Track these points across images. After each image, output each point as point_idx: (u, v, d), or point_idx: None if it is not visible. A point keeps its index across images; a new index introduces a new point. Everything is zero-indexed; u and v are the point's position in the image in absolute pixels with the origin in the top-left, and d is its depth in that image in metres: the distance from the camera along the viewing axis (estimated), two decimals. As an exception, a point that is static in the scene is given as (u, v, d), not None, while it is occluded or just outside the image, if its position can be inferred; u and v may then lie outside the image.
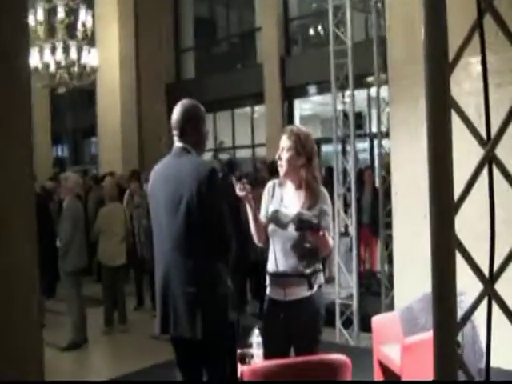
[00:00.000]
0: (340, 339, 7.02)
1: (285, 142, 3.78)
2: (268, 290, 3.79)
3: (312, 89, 15.15)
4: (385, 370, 4.96)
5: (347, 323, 7.08)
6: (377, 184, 8.40)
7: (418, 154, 5.99)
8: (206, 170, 3.32)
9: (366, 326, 6.63)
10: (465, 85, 5.32)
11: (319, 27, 15.51)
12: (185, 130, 3.47)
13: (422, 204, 6.04)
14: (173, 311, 3.37)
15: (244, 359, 3.86)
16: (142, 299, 9.12)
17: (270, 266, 3.76)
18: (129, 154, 16.79)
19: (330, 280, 7.82)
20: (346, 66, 7.20)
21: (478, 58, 1.30)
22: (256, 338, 3.92)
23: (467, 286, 1.37)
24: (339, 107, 7.81)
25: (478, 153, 1.32)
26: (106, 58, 14.85)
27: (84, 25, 10.80)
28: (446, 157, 1.30)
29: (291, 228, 3.65)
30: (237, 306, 6.11)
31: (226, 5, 17.48)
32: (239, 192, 3.62)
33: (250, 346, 3.95)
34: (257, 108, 17.02)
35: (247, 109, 17.28)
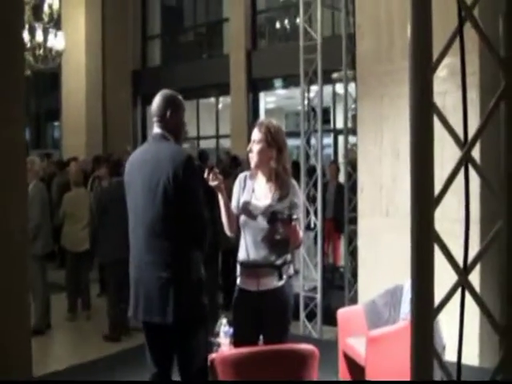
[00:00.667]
0: (304, 331, 7.14)
1: (256, 134, 3.84)
2: (238, 280, 3.86)
3: (277, 82, 15.22)
4: (349, 361, 5.09)
5: (310, 316, 7.20)
6: (341, 179, 8.52)
7: (382, 153, 6.13)
8: (183, 156, 3.40)
9: (329, 319, 6.77)
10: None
11: (286, 21, 15.58)
12: (164, 116, 3.54)
13: (384, 201, 6.19)
14: (145, 295, 3.42)
15: (211, 348, 3.92)
16: (105, 285, 9.08)
17: (241, 257, 3.82)
18: (93, 139, 16.64)
19: (294, 272, 7.93)
20: (315, 62, 7.28)
21: (444, 61, 1.37)
22: (223, 327, 3.98)
23: (440, 277, 1.46)
24: (306, 102, 7.90)
25: (453, 151, 1.39)
26: (71, 41, 14.66)
27: (50, 7, 10.62)
28: (428, 156, 1.36)
29: (262, 219, 3.73)
30: (211, 291, 6.21)
31: (194, -6, 17.46)
32: (211, 182, 3.67)
33: (217, 335, 4.01)
34: (222, 99, 17.02)
35: (212, 99, 17.27)
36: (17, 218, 1.89)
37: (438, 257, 1.34)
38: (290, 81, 13.99)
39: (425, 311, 1.32)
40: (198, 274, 3.42)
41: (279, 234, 3.71)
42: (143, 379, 3.64)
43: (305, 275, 7.35)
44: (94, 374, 5.83)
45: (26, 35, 10.49)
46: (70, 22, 16.11)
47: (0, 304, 1.81)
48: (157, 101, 3.59)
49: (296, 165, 7.84)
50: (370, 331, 4.78)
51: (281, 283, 3.74)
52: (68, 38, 12.81)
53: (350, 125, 7.89)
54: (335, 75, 8.98)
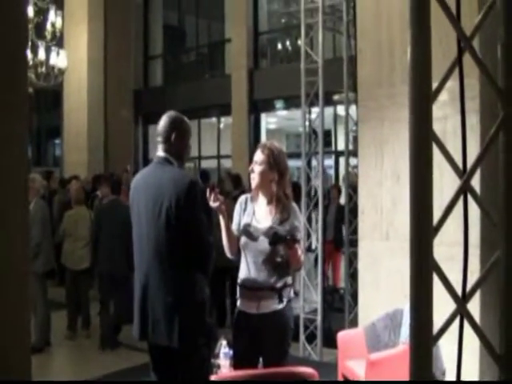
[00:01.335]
0: (303, 353, 7.12)
1: (258, 155, 3.86)
2: (238, 303, 3.87)
3: (279, 103, 15.31)
4: (349, 384, 5.08)
5: (310, 338, 7.18)
6: (342, 201, 8.54)
7: (382, 176, 6.15)
8: (186, 181, 3.41)
9: (329, 342, 6.75)
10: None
11: (287, 43, 15.70)
12: (169, 138, 3.56)
13: (385, 224, 6.20)
14: (152, 318, 3.44)
15: (211, 369, 3.92)
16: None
17: (242, 279, 3.84)
18: (94, 157, 16.71)
19: (294, 294, 7.93)
20: (316, 84, 7.34)
21: (443, 85, 1.39)
22: (223, 348, 3.99)
23: (439, 300, 1.48)
24: (307, 123, 7.95)
25: (452, 177, 1.41)
26: (74, 59, 14.78)
27: (53, 25, 10.69)
28: (427, 185, 1.38)
29: (263, 241, 3.74)
30: (216, 315, 6.20)
31: (196, 14, 17.53)
32: (212, 203, 3.69)
33: (217, 356, 4.01)
34: (223, 119, 17.10)
35: (213, 119, 17.35)
36: (18, 235, 1.89)
37: (438, 281, 1.35)
38: (292, 102, 14.06)
39: (423, 338, 1.34)
40: (202, 295, 3.44)
41: (280, 257, 3.72)
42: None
43: (305, 297, 7.35)
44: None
45: (28, 53, 10.59)
46: (73, 40, 16.25)
47: (0, 321, 1.82)
48: (163, 122, 3.61)
49: (296, 186, 7.87)
50: (369, 354, 4.78)
51: (281, 306, 3.75)
52: (70, 55, 12.92)
53: (351, 147, 7.94)
54: (336, 97, 9.07)
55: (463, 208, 1.38)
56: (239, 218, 3.97)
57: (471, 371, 5.09)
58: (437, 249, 1.37)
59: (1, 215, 1.79)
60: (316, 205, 7.35)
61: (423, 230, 1.34)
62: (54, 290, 9.30)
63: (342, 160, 12.73)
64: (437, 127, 1.39)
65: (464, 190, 1.38)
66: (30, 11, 10.08)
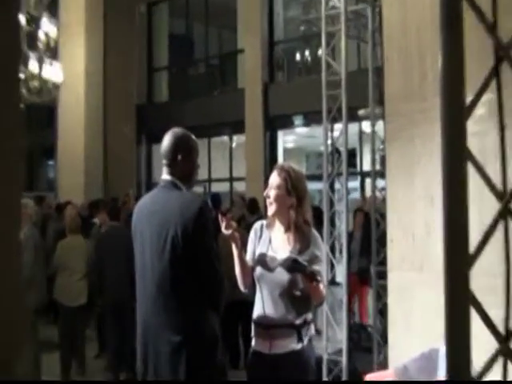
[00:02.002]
0: (327, 399, 7.08)
1: (274, 178, 3.87)
2: (253, 342, 3.87)
3: (297, 120, 15.36)
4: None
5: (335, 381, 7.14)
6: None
7: (414, 199, 6.13)
8: (195, 206, 3.42)
9: (355, 385, 6.71)
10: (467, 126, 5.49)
11: (306, 53, 15.75)
12: (175, 160, 3.58)
13: (417, 253, 6.18)
14: (154, 358, 3.44)
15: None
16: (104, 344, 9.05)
17: (256, 315, 3.84)
18: (92, 180, 16.79)
19: (316, 333, 7.90)
20: (339, 98, 7.37)
21: (482, 97, 1.40)
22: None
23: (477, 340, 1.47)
24: (329, 141, 7.97)
25: (493, 201, 1.41)
26: (70, 72, 14.90)
27: (47, 35, 10.74)
28: (462, 210, 1.38)
29: (280, 272, 3.74)
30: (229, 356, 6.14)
31: (205, 22, 17.66)
32: (225, 230, 3.70)
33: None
34: (236, 138, 17.20)
35: (225, 138, 17.45)
36: (8, 267, 1.91)
37: (477, 316, 1.35)
38: (312, 118, 14.10)
39: (461, 377, 1.33)
40: (214, 333, 3.44)
41: (299, 290, 3.72)
42: None
43: (328, 336, 7.31)
44: None
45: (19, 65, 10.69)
46: (69, 53, 16.35)
47: None
48: (166, 142, 3.63)
49: (318, 211, 7.86)
50: (401, 401, 4.73)
51: (300, 346, 3.74)
52: (66, 68, 13.03)
53: (378, 167, 7.94)
54: (361, 112, 9.07)
55: (504, 236, 1.38)
56: (254, 247, 3.97)
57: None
58: (475, 280, 1.37)
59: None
60: (339, 232, 7.34)
61: (458, 258, 1.33)
62: (47, 329, 9.26)
63: (368, 182, 12.74)
64: (474, 144, 1.39)
65: (504, 213, 1.38)
66: (22, 20, 10.17)
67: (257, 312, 3.84)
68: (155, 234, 3.47)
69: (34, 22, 10.58)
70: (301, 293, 3.72)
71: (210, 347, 3.42)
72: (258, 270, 3.85)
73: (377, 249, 7.62)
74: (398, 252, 6.26)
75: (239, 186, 16.39)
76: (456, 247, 1.34)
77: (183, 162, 3.58)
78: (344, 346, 7.10)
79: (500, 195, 1.39)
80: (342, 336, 7.15)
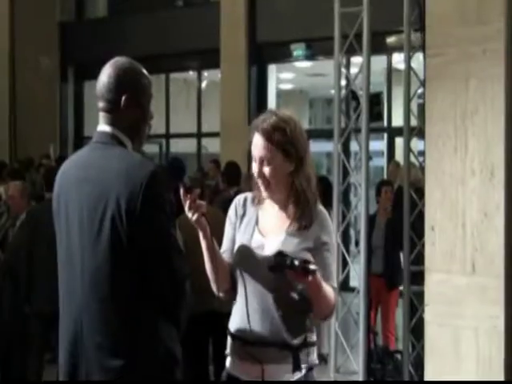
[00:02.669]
0: None
1: (261, 144, 3.83)
2: (228, 363, 3.90)
3: (298, 49, 15.27)
4: None
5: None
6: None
7: (466, 169, 6.17)
8: (145, 172, 3.37)
9: None
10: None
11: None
12: (118, 103, 3.51)
13: (470, 248, 6.26)
14: None
15: None
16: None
17: (236, 326, 3.86)
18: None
19: (319, 360, 7.94)
20: (359, 18, 7.36)
21: None
22: None
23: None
24: (343, 82, 7.98)
25: None
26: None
27: None
28: None
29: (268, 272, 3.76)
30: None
31: None
32: (189, 213, 3.70)
33: None
34: (206, 74, 17.14)
35: (191, 74, 17.39)
36: None
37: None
38: (318, 47, 14.08)
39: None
40: (169, 353, 3.46)
41: (298, 294, 3.75)
42: None
43: (338, 365, 7.37)
44: None
45: None
46: None
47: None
48: (105, 77, 3.55)
49: (324, 183, 7.87)
50: None
51: (297, 376, 3.77)
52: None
53: (414, 121, 7.95)
54: (392, 40, 9.05)
55: None
56: (233, 233, 3.99)
57: None
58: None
59: None
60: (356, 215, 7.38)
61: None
62: None
63: (399, 142, 12.77)
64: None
65: None
66: None
67: (237, 323, 3.86)
68: (87, 211, 3.44)
69: None
70: (300, 296, 3.75)
71: (164, 373, 3.45)
72: (239, 266, 3.87)
73: (411, 241, 7.66)
74: (442, 246, 6.32)
75: (211, 145, 16.37)
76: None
77: (130, 108, 3.53)
78: (361, 379, 7.16)
79: None
80: (357, 366, 7.21)
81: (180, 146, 16.91)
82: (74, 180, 3.57)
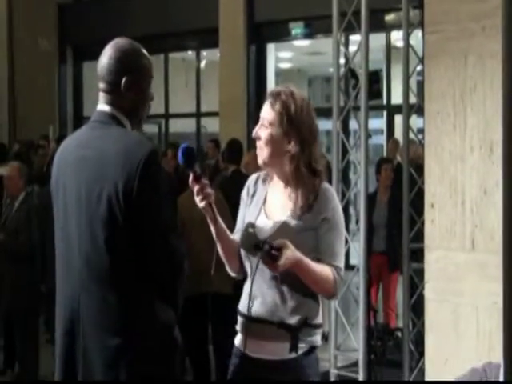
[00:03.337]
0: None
1: (266, 111, 3.87)
2: (237, 339, 3.98)
3: (296, 28, 15.26)
4: None
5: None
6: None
7: (465, 146, 6.16)
8: (143, 151, 3.39)
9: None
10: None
11: None
12: (118, 84, 3.54)
13: (469, 225, 6.26)
14: (83, 371, 3.47)
15: None
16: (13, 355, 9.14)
17: (242, 305, 3.94)
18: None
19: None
20: (358, -5, 7.35)
21: None
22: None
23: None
24: (341, 60, 7.95)
25: None
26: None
27: None
28: None
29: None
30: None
31: None
32: (199, 201, 3.73)
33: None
34: (205, 53, 17.10)
35: (190, 54, 17.35)
36: None
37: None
38: (317, 26, 14.06)
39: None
40: (168, 333, 3.48)
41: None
42: None
43: (338, 343, 7.37)
44: None
45: None
46: None
47: None
48: (106, 58, 3.58)
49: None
50: None
51: (292, 355, 3.80)
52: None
53: (413, 99, 7.93)
54: (390, 17, 9.03)
55: None
56: (244, 212, 4.06)
57: None
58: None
59: None
60: (355, 194, 7.36)
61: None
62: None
63: (398, 120, 12.75)
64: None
65: None
66: None
67: (243, 301, 3.93)
68: (85, 190, 3.44)
69: None
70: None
71: (163, 354, 3.46)
72: (242, 249, 3.91)
73: (410, 218, 7.65)
74: (442, 223, 6.32)
75: (210, 125, 16.35)
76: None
77: (130, 89, 3.55)
78: (361, 357, 7.17)
79: None
80: (358, 344, 7.22)
81: (179, 126, 16.87)
82: (72, 159, 3.58)
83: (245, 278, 4.00)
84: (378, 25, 8.63)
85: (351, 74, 7.81)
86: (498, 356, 5.12)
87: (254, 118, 13.07)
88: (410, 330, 7.77)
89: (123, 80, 3.54)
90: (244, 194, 4.09)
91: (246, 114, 14.66)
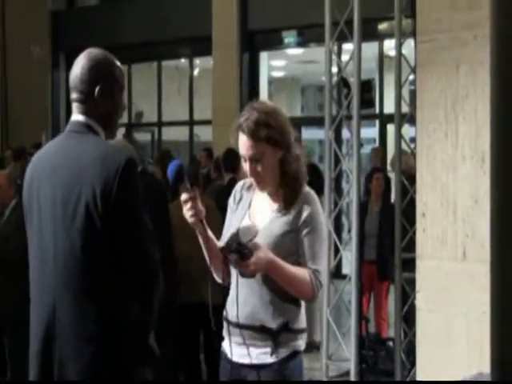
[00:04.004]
0: None
1: (248, 143, 3.89)
2: (223, 344, 4.04)
3: (289, 36, 15.28)
4: None
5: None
6: (392, 196, 8.52)
7: (457, 155, 6.17)
8: (120, 159, 3.42)
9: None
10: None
11: None
12: (91, 94, 3.56)
13: (461, 234, 6.26)
14: (58, 360, 3.47)
15: None
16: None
17: (226, 310, 3.98)
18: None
19: (311, 347, 7.94)
20: (350, 4, 7.34)
21: None
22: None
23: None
24: (334, 69, 7.95)
25: None
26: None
27: None
28: None
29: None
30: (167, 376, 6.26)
31: None
32: (189, 216, 3.76)
33: None
34: (198, 61, 17.10)
35: (183, 61, 17.33)
36: None
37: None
38: (310, 34, 14.07)
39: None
40: (144, 349, 3.49)
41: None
42: None
43: (330, 352, 7.37)
44: None
45: None
46: None
47: None
48: (79, 68, 3.59)
49: (314, 171, 7.84)
50: None
51: (273, 359, 3.84)
52: None
53: (405, 108, 7.94)
54: (383, 26, 9.05)
55: None
56: (230, 219, 4.11)
57: None
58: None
59: None
60: (347, 203, 7.36)
61: (509, 241, 1.35)
62: None
63: (391, 129, 12.76)
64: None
65: None
66: None
67: (228, 306, 3.97)
68: (60, 197, 3.44)
69: None
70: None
71: (138, 360, 3.47)
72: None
73: (402, 227, 7.66)
74: (433, 232, 6.33)
75: (203, 133, 16.34)
76: (507, 224, 1.36)
77: (103, 98, 3.56)
78: (353, 366, 7.17)
79: None
80: (350, 353, 7.22)
81: (172, 134, 16.85)
82: (48, 167, 3.59)
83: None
84: (370, 34, 8.64)
85: (343, 83, 7.83)
86: (489, 366, 5.13)
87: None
88: (401, 340, 7.77)
89: (96, 89, 3.56)
90: (231, 200, 4.14)
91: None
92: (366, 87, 7.86)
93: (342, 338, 7.37)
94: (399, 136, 7.81)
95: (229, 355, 3.94)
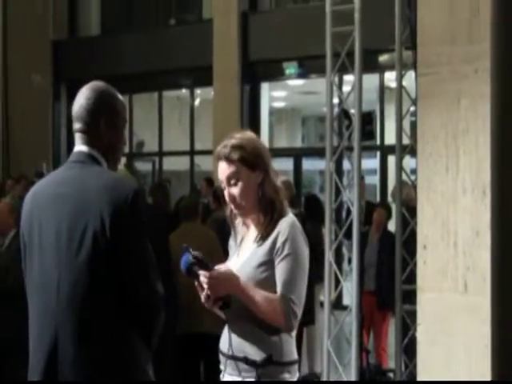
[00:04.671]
0: None
1: (224, 166, 3.94)
2: (221, 375, 4.05)
3: (290, 68, 15.33)
4: None
5: None
6: (391, 228, 8.52)
7: (458, 188, 6.18)
8: (127, 190, 3.43)
9: None
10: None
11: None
12: (96, 125, 3.58)
13: (462, 267, 6.27)
14: None
15: None
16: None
17: (220, 342, 4.05)
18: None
19: (313, 378, 7.92)
20: (351, 37, 7.37)
21: None
22: None
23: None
24: (335, 100, 7.98)
25: None
26: None
27: None
28: None
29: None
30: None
31: None
32: (206, 302, 3.84)
33: None
34: (199, 91, 17.14)
35: (184, 92, 17.38)
36: None
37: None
38: (311, 66, 14.12)
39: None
40: (142, 372, 3.49)
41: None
42: None
43: (330, 384, 7.36)
44: None
45: None
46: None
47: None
48: (83, 100, 3.61)
49: (313, 202, 7.85)
50: None
51: None
52: None
53: (406, 140, 7.95)
54: (384, 58, 9.07)
55: None
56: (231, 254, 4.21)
57: None
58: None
59: None
60: (348, 233, 7.36)
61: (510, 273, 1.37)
62: None
63: (391, 160, 12.78)
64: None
65: None
66: None
67: (222, 338, 4.03)
68: (66, 226, 3.43)
69: None
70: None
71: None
72: None
73: (403, 259, 7.65)
74: (434, 264, 6.32)
75: (204, 163, 16.35)
76: (508, 258, 1.38)
77: (107, 129, 3.59)
78: (353, 398, 7.16)
79: None
80: (350, 385, 7.21)
81: (173, 164, 16.87)
82: (50, 197, 3.58)
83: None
84: (371, 65, 8.68)
85: (344, 114, 7.84)
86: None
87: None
88: (402, 372, 7.75)
89: (101, 121, 3.57)
90: (232, 242, 4.21)
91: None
92: (367, 119, 7.81)
93: (343, 369, 7.36)
94: (400, 168, 7.83)
95: None
